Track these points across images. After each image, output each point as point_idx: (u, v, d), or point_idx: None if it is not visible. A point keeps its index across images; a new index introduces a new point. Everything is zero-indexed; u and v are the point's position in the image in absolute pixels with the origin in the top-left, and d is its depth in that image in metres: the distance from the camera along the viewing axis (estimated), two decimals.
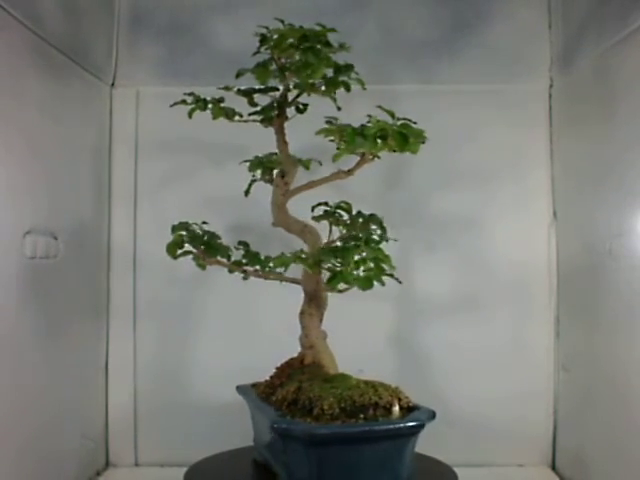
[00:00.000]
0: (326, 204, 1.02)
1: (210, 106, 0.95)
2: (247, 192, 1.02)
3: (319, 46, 0.88)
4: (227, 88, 0.95)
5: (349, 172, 0.94)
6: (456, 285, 1.34)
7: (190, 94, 0.97)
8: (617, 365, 1.07)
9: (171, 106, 0.97)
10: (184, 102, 0.96)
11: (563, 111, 1.32)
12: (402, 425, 0.84)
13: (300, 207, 1.01)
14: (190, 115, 0.96)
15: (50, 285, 1.11)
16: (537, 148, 1.35)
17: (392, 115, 0.88)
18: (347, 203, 1.03)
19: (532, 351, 1.33)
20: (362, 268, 0.87)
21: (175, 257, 0.96)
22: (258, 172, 1.03)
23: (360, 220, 1.01)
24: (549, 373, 1.33)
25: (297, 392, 0.89)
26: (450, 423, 1.31)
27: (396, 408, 0.87)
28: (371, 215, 1.02)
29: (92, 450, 1.28)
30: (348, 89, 0.91)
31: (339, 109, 0.92)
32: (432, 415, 0.88)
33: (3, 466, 0.97)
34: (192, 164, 1.35)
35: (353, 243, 0.91)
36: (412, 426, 0.84)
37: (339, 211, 1.03)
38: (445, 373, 1.32)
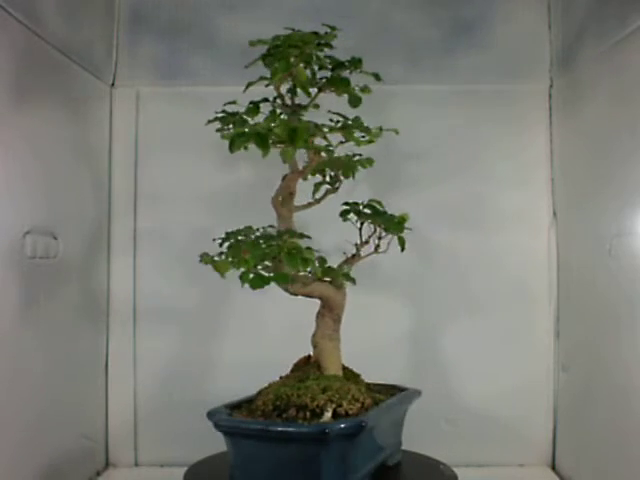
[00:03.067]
0: (355, 204, 1.01)
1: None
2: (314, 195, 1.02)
3: (287, 50, 0.87)
4: (234, 102, 0.94)
5: (302, 172, 0.94)
6: (456, 285, 1.34)
7: (222, 111, 0.94)
8: (618, 365, 1.07)
9: (209, 121, 0.95)
10: (217, 119, 0.93)
11: (563, 111, 1.32)
12: (292, 429, 0.82)
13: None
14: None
15: (50, 285, 1.11)
16: (537, 148, 1.35)
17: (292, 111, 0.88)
18: (378, 202, 1.00)
19: (532, 351, 1.33)
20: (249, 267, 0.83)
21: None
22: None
23: (378, 219, 0.99)
24: (549, 373, 1.33)
25: (266, 389, 0.92)
26: (450, 422, 1.32)
27: (328, 413, 0.84)
28: (383, 213, 1.00)
29: (92, 450, 1.28)
30: (347, 85, 0.90)
31: (355, 106, 0.91)
32: (356, 427, 0.81)
33: (3, 466, 0.97)
34: (192, 164, 1.35)
35: (249, 241, 0.88)
36: (308, 432, 0.81)
37: (365, 210, 1.00)
38: (445, 373, 1.32)
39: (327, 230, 1.05)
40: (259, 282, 0.82)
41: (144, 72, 1.37)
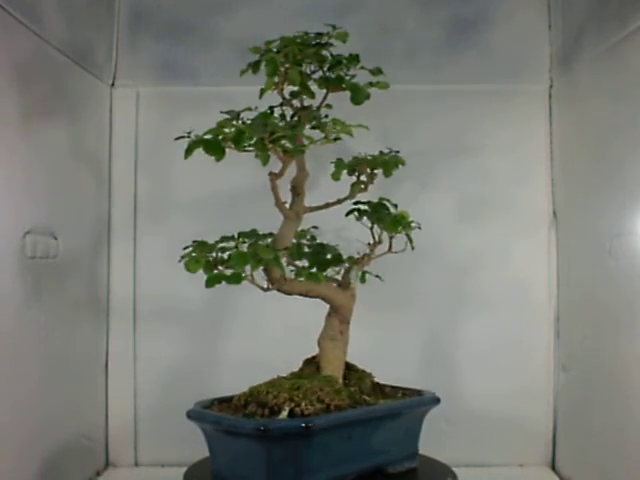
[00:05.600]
0: (367, 203, 1.00)
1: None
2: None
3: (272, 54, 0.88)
4: (249, 109, 0.93)
5: (279, 174, 0.93)
6: (456, 284, 1.34)
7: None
8: (617, 365, 1.07)
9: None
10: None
11: (563, 111, 1.32)
12: (236, 424, 0.83)
13: None
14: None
15: (50, 285, 1.11)
16: (537, 148, 1.35)
17: (233, 113, 0.90)
18: (387, 200, 1.00)
19: (532, 351, 1.33)
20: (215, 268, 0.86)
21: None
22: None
23: (375, 217, 0.99)
24: (549, 373, 1.33)
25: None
26: (450, 422, 1.32)
27: (285, 412, 0.84)
28: (381, 211, 1.00)
29: (92, 450, 1.28)
30: (341, 82, 0.90)
31: (358, 103, 0.91)
32: (296, 428, 0.80)
33: (3, 466, 0.97)
34: (193, 164, 1.34)
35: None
36: (248, 428, 0.81)
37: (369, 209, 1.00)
38: (445, 372, 1.32)
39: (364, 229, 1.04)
40: (212, 280, 0.85)
41: (144, 72, 1.37)
